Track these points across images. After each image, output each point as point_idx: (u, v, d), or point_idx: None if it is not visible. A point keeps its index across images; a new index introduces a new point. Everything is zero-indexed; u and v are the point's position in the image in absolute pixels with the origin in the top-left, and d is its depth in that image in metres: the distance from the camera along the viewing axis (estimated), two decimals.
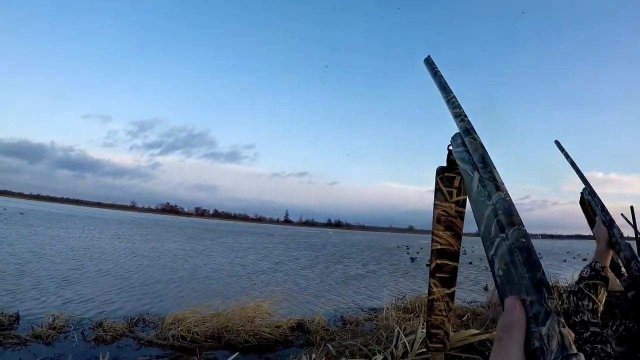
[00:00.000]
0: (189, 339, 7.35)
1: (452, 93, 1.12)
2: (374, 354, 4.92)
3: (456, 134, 1.01)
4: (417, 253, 40.35)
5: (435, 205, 1.22)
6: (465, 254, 43.39)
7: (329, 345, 5.57)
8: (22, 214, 56.78)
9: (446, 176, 1.21)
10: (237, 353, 4.60)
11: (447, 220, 1.23)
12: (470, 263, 30.26)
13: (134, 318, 8.64)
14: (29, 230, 30.45)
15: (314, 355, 4.59)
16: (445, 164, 1.20)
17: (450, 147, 1.00)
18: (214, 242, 38.62)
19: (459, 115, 1.00)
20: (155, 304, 10.56)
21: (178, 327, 7.56)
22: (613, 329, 2.14)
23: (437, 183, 1.23)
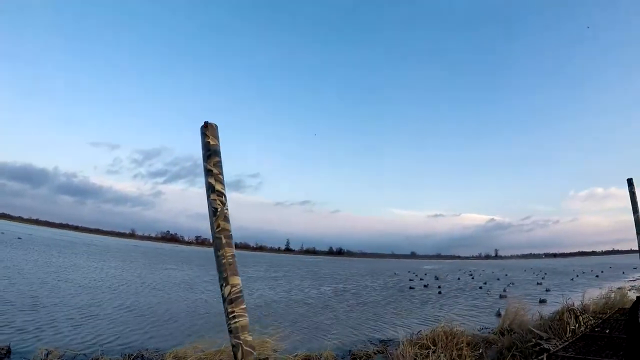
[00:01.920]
0: None
1: None
2: None
3: None
4: (422, 279, 39.85)
5: None
6: (473, 278, 42.83)
7: None
8: (20, 238, 56.19)
9: None
10: None
11: None
12: (481, 288, 29.74)
13: (132, 354, 8.17)
14: (34, 257, 30.14)
15: None
16: None
17: None
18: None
19: None
20: (157, 338, 10.10)
21: None
22: None
23: None
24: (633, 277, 31.34)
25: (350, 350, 9.74)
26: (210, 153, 0.83)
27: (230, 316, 0.90)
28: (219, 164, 0.84)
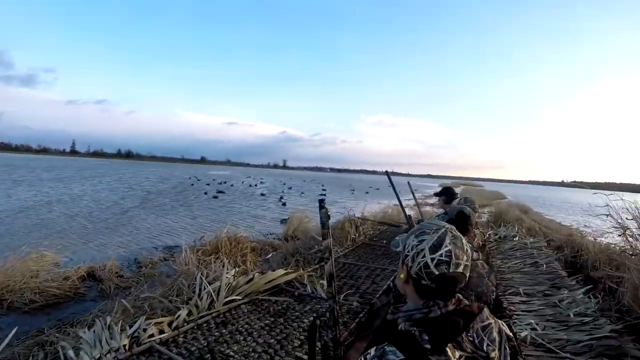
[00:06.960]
0: None
1: None
2: (178, 308, 4.56)
3: None
4: (208, 185, 40.66)
5: None
6: (256, 185, 45.03)
7: (124, 301, 5.06)
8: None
9: None
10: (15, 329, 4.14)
11: None
12: (263, 195, 31.69)
13: None
14: None
15: (108, 319, 4.02)
16: None
17: None
18: None
19: None
20: None
21: None
22: None
23: None
24: (407, 197, 36.49)
25: (135, 259, 9.65)
26: None
27: None
28: None
